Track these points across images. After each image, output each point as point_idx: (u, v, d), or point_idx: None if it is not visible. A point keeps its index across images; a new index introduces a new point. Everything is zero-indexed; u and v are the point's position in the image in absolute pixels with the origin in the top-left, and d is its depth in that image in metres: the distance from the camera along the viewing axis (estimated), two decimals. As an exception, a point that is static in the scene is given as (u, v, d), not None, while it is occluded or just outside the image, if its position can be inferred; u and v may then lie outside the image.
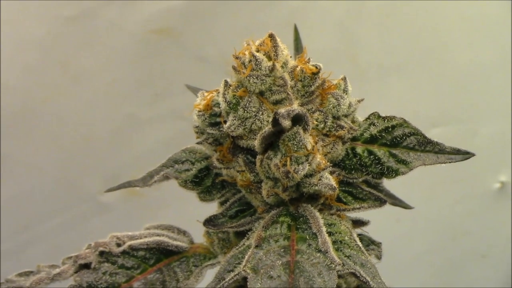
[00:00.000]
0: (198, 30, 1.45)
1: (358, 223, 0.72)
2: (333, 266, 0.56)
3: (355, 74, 1.47)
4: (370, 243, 0.74)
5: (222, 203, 0.72)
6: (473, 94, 1.50)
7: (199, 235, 0.78)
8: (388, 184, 0.73)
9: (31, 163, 1.50)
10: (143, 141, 1.51)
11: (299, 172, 0.59)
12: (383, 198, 0.68)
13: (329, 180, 0.62)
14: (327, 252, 0.57)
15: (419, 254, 1.61)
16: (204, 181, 0.72)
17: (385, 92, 1.48)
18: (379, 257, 0.73)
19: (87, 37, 1.44)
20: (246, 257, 0.58)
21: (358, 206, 0.67)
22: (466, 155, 0.64)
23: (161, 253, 0.73)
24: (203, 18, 1.44)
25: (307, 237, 0.60)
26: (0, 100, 1.42)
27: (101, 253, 0.70)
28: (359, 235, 0.71)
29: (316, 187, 0.61)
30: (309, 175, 0.61)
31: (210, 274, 0.66)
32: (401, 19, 1.45)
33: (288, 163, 0.59)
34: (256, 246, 0.59)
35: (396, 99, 1.49)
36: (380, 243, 0.74)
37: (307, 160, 0.60)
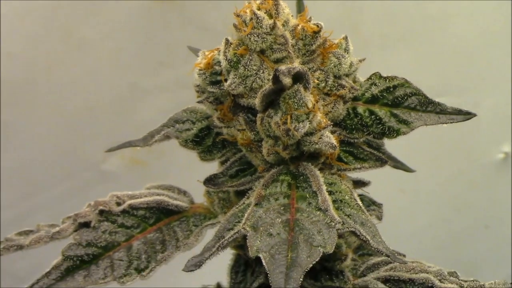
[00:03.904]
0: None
1: (359, 183, 0.72)
2: (333, 224, 0.56)
3: (358, 43, 1.45)
4: (371, 204, 0.74)
5: (222, 163, 0.72)
6: (477, 64, 1.48)
7: (199, 197, 0.78)
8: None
9: (33, 131, 1.49)
10: (146, 110, 1.51)
11: (300, 130, 0.59)
12: (384, 159, 0.67)
13: (329, 139, 0.61)
14: (327, 211, 0.57)
15: (422, 225, 1.61)
16: (204, 141, 0.72)
17: (388, 61, 1.47)
18: (379, 218, 0.73)
19: (90, 5, 1.43)
20: (246, 215, 0.58)
21: (359, 166, 0.67)
22: (467, 115, 0.65)
23: (161, 213, 0.72)
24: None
25: (307, 195, 0.59)
26: (1, 68, 1.42)
27: (101, 212, 0.70)
28: (360, 195, 0.71)
29: (317, 146, 0.61)
30: (309, 133, 0.61)
31: (210, 234, 0.65)
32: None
33: (288, 121, 0.59)
34: (256, 204, 0.59)
35: (399, 69, 1.46)
36: (381, 204, 0.74)
37: (307, 118, 0.59)
